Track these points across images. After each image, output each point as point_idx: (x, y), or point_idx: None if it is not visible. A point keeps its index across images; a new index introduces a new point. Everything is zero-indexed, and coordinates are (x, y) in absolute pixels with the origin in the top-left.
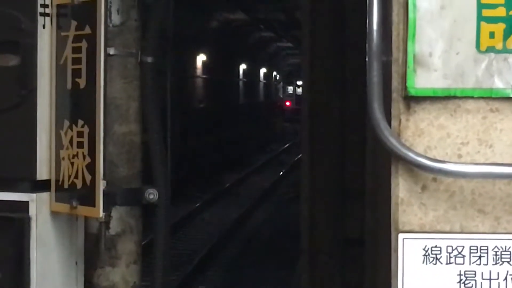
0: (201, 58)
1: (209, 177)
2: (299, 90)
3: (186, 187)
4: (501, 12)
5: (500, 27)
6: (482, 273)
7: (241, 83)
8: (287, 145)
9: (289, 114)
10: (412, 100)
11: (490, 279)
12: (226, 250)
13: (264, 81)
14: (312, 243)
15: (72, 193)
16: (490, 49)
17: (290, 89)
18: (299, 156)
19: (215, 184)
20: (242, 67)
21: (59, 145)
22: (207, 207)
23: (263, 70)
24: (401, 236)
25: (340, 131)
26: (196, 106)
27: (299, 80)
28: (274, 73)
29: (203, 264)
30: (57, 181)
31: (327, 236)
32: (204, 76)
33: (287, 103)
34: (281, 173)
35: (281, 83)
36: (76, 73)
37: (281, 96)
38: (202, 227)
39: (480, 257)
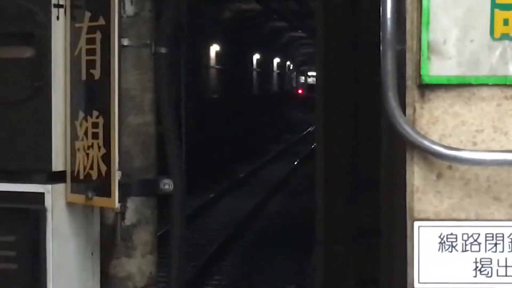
0: (214, 49)
1: (223, 168)
2: (310, 80)
3: (201, 178)
4: None
5: None
6: (498, 260)
7: (254, 73)
8: (302, 134)
9: (301, 100)
10: (426, 88)
11: (506, 266)
12: (241, 241)
13: (278, 71)
14: (327, 233)
15: (88, 184)
16: (504, 36)
17: (302, 79)
18: (313, 146)
19: (229, 175)
20: (256, 57)
21: (74, 136)
22: (221, 197)
23: (276, 60)
24: (416, 224)
25: (354, 120)
26: (210, 96)
27: (309, 71)
28: (288, 62)
29: (218, 255)
30: (72, 172)
31: (342, 226)
32: (218, 67)
33: (299, 91)
34: (296, 163)
35: (295, 73)
36: (91, 64)
37: (294, 85)
38: (216, 217)
39: (496, 244)
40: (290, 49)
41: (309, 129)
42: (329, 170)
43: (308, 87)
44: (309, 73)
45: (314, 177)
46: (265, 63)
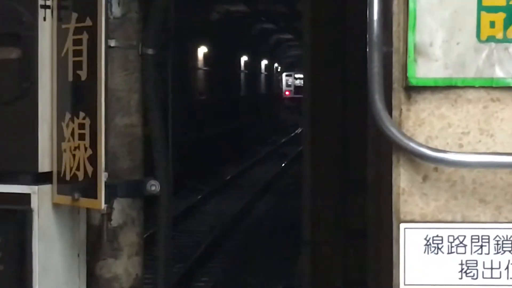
0: (202, 50)
1: (211, 169)
2: (297, 82)
3: (188, 179)
4: (501, 1)
5: (500, 17)
6: (483, 262)
7: (242, 74)
8: (289, 136)
9: (288, 102)
10: (413, 90)
11: (491, 268)
12: (228, 242)
13: (265, 73)
14: (314, 234)
15: (74, 185)
16: (491, 39)
17: (290, 80)
18: (301, 148)
19: (216, 176)
20: (244, 59)
21: (60, 137)
22: (209, 199)
23: (264, 62)
24: (402, 226)
25: (341, 122)
26: (197, 98)
27: (297, 73)
28: (275, 64)
29: (205, 256)
30: (58, 173)
31: (329, 227)
32: (205, 68)
33: (287, 92)
34: (283, 165)
35: (283, 75)
36: (77, 65)
37: (282, 87)
38: (204, 219)
39: (481, 246)
40: (278, 51)
41: (296, 131)
42: (316, 172)
43: (295, 88)
44: (296, 76)
45: (301, 178)
46: (253, 65)
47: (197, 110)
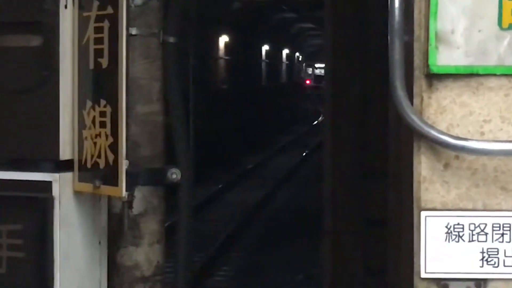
0: (223, 39)
1: (232, 159)
2: (317, 71)
3: (209, 169)
4: None
5: None
6: (504, 250)
7: (263, 64)
8: (310, 126)
9: (309, 91)
10: (434, 77)
11: None
12: (249, 232)
13: (286, 62)
14: (335, 223)
15: (95, 172)
16: None
17: (310, 70)
18: (322, 138)
19: (237, 166)
20: (265, 48)
21: (81, 125)
22: (229, 188)
23: (285, 51)
24: (423, 214)
25: (362, 110)
26: (218, 87)
27: (317, 62)
28: (297, 54)
29: (226, 246)
30: (80, 161)
31: (350, 216)
32: (226, 57)
33: (307, 82)
34: (304, 154)
35: (303, 64)
36: (99, 53)
37: (302, 76)
38: (224, 208)
39: (503, 234)
40: (299, 40)
41: (317, 120)
42: (337, 161)
43: (315, 78)
44: (317, 65)
45: (322, 168)
46: (274, 54)
47: (218, 99)
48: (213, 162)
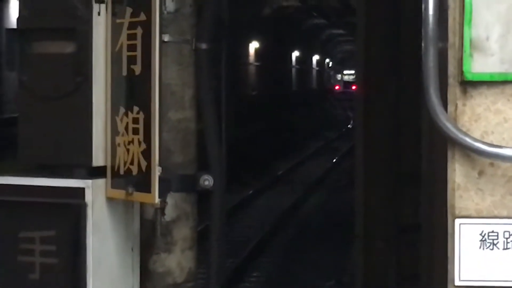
0: (254, 45)
1: (263, 164)
2: (346, 77)
3: (240, 174)
4: None
5: None
6: None
7: (293, 69)
8: (341, 131)
9: (338, 95)
10: (468, 85)
11: None
12: (279, 237)
13: (317, 68)
14: (367, 229)
15: (128, 179)
16: None
17: (339, 76)
18: (352, 143)
19: (268, 171)
20: (295, 54)
21: (114, 132)
22: (260, 194)
23: (315, 57)
24: (457, 221)
25: (395, 116)
26: (249, 93)
27: (346, 68)
28: (327, 60)
29: (257, 251)
30: (112, 167)
31: (382, 222)
32: (257, 63)
33: (336, 87)
34: (335, 160)
35: (332, 71)
36: (132, 60)
37: (332, 82)
38: (255, 214)
39: None
40: (329, 46)
41: (348, 125)
42: (369, 166)
43: (344, 84)
44: (345, 72)
45: (353, 174)
46: (304, 60)
47: (250, 105)
48: (244, 167)
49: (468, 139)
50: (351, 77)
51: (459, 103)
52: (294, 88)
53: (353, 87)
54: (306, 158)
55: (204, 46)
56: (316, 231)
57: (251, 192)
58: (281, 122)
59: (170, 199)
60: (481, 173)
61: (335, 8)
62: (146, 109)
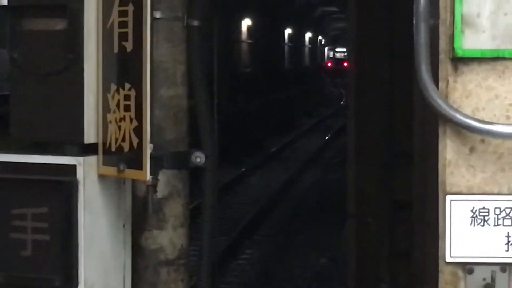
0: (246, 23)
1: (255, 142)
2: (337, 55)
3: (232, 152)
4: None
5: None
6: None
7: (286, 47)
8: (334, 109)
9: (330, 72)
10: (459, 61)
11: None
12: (273, 215)
13: (309, 46)
14: (359, 207)
15: (120, 156)
16: None
17: (331, 54)
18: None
19: (261, 149)
20: (288, 31)
21: (106, 109)
22: (253, 171)
23: (308, 35)
24: (448, 198)
25: (387, 93)
26: (241, 70)
27: (339, 46)
28: (319, 37)
29: (249, 229)
30: (104, 144)
31: (375, 199)
32: (249, 41)
33: (329, 64)
34: (327, 138)
35: (325, 48)
36: (123, 37)
37: (325, 60)
38: (248, 192)
39: None
40: (322, 23)
41: (341, 103)
42: (361, 144)
43: (336, 61)
44: (337, 49)
45: (346, 151)
46: (297, 37)
47: (242, 82)
48: (237, 145)
49: (459, 116)
50: (343, 54)
51: (450, 80)
52: (287, 66)
53: (344, 64)
54: (299, 136)
55: (196, 23)
56: (309, 209)
57: (243, 169)
58: (274, 100)
59: (162, 176)
60: (472, 150)
61: None
62: (138, 86)
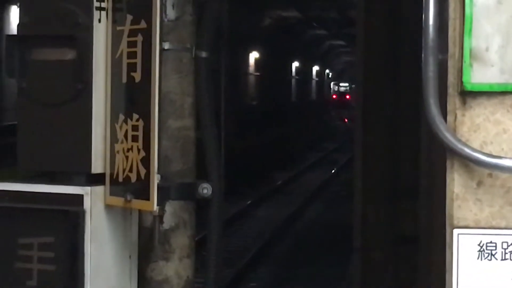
0: (253, 55)
1: (261, 175)
2: (342, 89)
3: (239, 185)
4: None
5: None
6: None
7: (293, 80)
8: (339, 143)
9: (335, 104)
10: (468, 95)
11: None
12: (277, 248)
13: (316, 79)
14: (365, 240)
15: (127, 186)
16: None
17: (336, 87)
18: (351, 155)
19: (267, 182)
20: (295, 64)
21: (114, 139)
22: (258, 204)
23: (315, 68)
24: (456, 231)
25: (393, 127)
26: (248, 103)
27: (342, 81)
28: (327, 71)
29: (254, 261)
30: (111, 174)
31: (380, 233)
32: (257, 73)
33: (334, 96)
34: (333, 171)
35: (332, 82)
36: (132, 67)
37: (331, 92)
38: (253, 224)
39: None
40: (329, 57)
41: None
42: (367, 178)
43: (340, 93)
44: (341, 84)
45: (352, 185)
46: (304, 70)
47: (249, 115)
48: (243, 178)
49: (467, 149)
50: (347, 88)
51: (459, 113)
52: (294, 99)
53: (347, 96)
54: (304, 169)
55: (204, 54)
56: (314, 242)
57: (249, 202)
58: (280, 133)
59: (169, 207)
60: (479, 184)
61: (335, 19)
62: (146, 116)
